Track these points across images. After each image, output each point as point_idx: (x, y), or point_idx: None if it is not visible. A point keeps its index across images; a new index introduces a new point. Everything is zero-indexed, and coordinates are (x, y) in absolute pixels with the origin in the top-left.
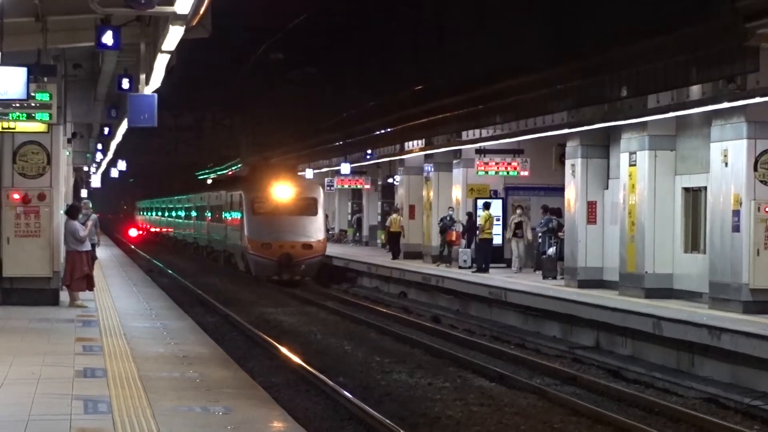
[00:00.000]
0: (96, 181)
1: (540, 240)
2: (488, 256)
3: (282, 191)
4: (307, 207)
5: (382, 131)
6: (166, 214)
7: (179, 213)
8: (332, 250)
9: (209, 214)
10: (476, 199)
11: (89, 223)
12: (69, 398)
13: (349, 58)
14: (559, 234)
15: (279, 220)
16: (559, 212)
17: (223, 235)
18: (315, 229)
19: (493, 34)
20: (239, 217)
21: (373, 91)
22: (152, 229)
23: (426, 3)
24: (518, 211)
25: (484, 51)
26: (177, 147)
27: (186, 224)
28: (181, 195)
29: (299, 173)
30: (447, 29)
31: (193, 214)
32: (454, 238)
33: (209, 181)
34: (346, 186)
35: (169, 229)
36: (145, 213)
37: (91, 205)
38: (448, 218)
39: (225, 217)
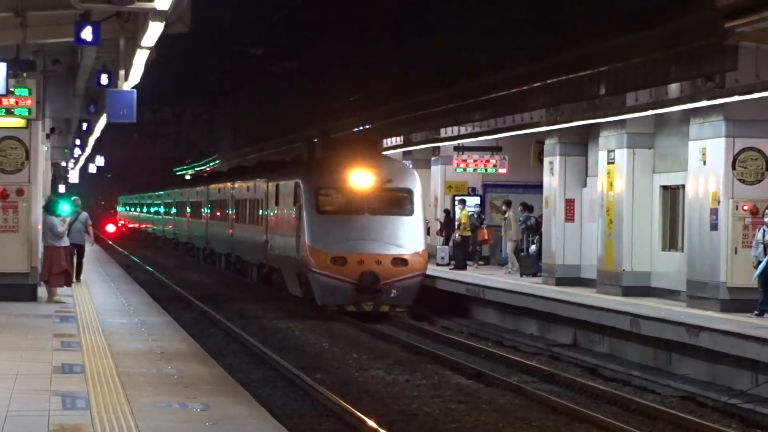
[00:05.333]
0: (74, 177)
1: None
2: (466, 253)
3: (361, 179)
4: (399, 202)
5: (361, 127)
6: (163, 209)
7: (183, 209)
8: None
9: (233, 212)
10: (454, 196)
11: (68, 219)
12: (47, 394)
13: (329, 52)
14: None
15: (357, 222)
16: (531, 208)
17: (261, 242)
18: (411, 236)
19: (473, 31)
20: (293, 216)
21: (353, 86)
22: (142, 228)
23: None
24: (503, 207)
25: (464, 47)
26: (156, 141)
27: (193, 224)
28: (184, 187)
29: (385, 152)
30: (428, 25)
31: (206, 211)
32: (486, 237)
33: (192, 171)
34: None
35: (167, 227)
36: (131, 209)
37: (80, 203)
38: (475, 216)
39: (266, 216)
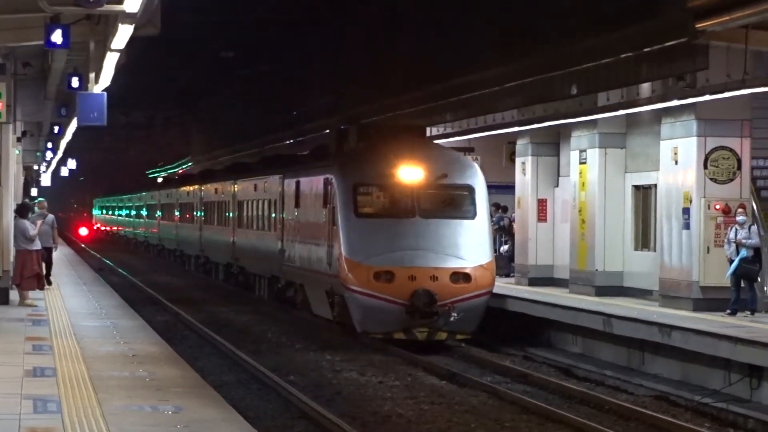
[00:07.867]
0: (46, 180)
1: None
2: None
3: (410, 173)
4: (458, 202)
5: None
6: (146, 212)
7: (171, 212)
8: None
9: (232, 215)
10: None
11: (39, 222)
12: (18, 398)
13: (302, 55)
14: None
15: (406, 227)
16: (505, 209)
17: (274, 251)
18: (474, 244)
19: (445, 32)
20: (322, 220)
21: (325, 88)
22: (122, 232)
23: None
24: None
25: (436, 48)
26: (128, 144)
27: (183, 229)
28: (171, 187)
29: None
30: (399, 25)
31: (199, 214)
32: None
33: (165, 173)
34: None
35: (150, 232)
36: (107, 212)
37: (46, 205)
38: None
39: (281, 219)
